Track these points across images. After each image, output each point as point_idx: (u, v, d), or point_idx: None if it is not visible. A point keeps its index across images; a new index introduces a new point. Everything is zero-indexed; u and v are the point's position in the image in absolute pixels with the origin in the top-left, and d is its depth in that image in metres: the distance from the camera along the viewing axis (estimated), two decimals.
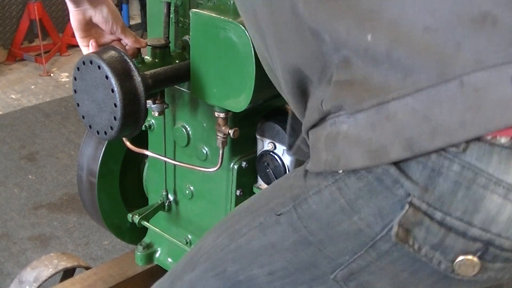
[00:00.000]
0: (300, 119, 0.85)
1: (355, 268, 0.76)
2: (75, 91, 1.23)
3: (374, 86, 0.67)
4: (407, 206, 0.68)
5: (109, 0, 1.25)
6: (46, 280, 1.70)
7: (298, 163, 1.34)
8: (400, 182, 0.68)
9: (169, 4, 1.33)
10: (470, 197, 0.65)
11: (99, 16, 1.23)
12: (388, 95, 0.66)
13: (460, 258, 0.69)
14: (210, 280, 0.89)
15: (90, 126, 1.23)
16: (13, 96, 4.06)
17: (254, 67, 1.14)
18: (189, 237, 1.56)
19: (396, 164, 0.67)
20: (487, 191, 0.65)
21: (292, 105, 0.87)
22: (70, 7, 1.22)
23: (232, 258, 0.87)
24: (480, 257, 0.68)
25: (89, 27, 1.25)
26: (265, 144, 1.36)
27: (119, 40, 1.29)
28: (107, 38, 1.28)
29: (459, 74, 0.63)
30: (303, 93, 0.81)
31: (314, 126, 0.76)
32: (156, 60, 1.30)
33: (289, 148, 0.99)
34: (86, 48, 1.26)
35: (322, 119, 0.74)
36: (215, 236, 0.92)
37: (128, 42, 1.28)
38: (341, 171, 0.72)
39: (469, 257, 0.68)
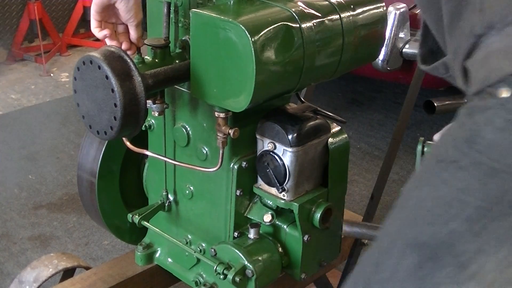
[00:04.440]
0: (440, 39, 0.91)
1: None
2: (75, 91, 1.23)
3: None
4: None
5: None
6: (46, 280, 1.70)
7: (298, 163, 1.34)
8: None
9: (169, 4, 1.33)
10: None
11: (124, 4, 1.27)
12: None
13: None
14: (408, 256, 0.89)
15: (90, 126, 1.23)
16: (13, 96, 4.06)
17: (254, 67, 1.14)
18: (189, 237, 1.56)
19: None
20: None
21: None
22: None
23: (424, 222, 0.88)
24: None
25: (107, 10, 1.29)
26: (265, 144, 1.36)
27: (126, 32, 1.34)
28: (119, 28, 1.32)
29: None
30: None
31: (469, 53, 0.82)
32: (156, 60, 1.30)
33: (422, 61, 0.99)
34: (97, 29, 1.30)
35: (475, 44, 0.81)
36: (396, 217, 0.93)
37: (132, 36, 1.32)
38: (503, 94, 0.78)
39: None
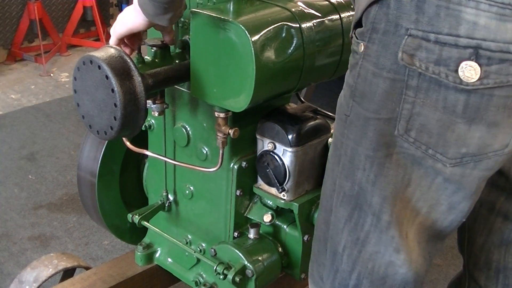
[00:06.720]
0: None
1: (406, 114, 0.89)
2: (75, 91, 1.23)
3: None
4: (406, 37, 0.85)
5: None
6: (46, 280, 1.70)
7: (298, 163, 1.34)
8: (399, 24, 0.86)
9: None
10: (450, 14, 0.82)
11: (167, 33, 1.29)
12: None
13: (461, 65, 0.83)
14: (342, 209, 1.01)
15: (90, 126, 1.23)
16: (13, 96, 4.06)
17: (254, 67, 1.14)
18: (189, 237, 1.56)
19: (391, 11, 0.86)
20: (462, 6, 0.81)
21: None
22: (147, 19, 1.21)
23: (344, 176, 1.00)
24: (477, 62, 0.82)
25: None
26: (265, 144, 1.36)
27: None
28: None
29: None
30: None
31: None
32: (156, 60, 1.30)
33: None
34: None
35: None
36: (327, 175, 1.07)
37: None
38: (361, 49, 0.91)
39: (467, 62, 0.83)
